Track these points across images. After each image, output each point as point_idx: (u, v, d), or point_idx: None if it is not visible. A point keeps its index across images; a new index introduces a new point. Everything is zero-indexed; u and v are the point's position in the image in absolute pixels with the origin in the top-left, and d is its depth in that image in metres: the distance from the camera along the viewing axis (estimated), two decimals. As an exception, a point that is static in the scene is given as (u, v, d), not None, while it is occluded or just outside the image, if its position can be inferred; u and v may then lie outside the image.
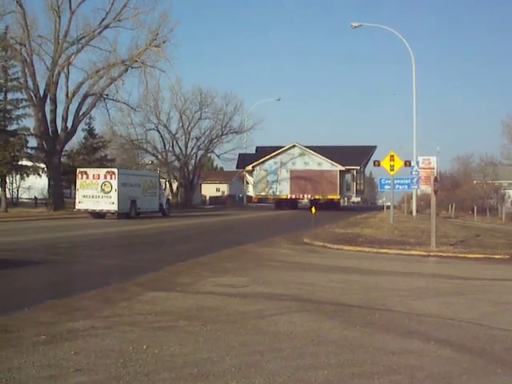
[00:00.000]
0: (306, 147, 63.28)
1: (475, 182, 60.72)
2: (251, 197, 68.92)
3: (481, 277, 12.17)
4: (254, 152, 67.85)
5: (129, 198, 35.06)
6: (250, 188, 67.08)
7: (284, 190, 62.93)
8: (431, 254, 16.09)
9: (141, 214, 36.63)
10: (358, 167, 62.95)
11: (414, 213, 40.65)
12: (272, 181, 63.57)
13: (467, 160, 77.50)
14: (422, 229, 23.94)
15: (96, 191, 33.95)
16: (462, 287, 10.60)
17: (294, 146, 63.52)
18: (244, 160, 65.72)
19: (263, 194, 64.61)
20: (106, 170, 36.08)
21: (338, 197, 62.39)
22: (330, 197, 60.39)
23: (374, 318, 7.65)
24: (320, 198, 59.72)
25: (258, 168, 64.19)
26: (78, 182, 34.73)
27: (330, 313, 8.00)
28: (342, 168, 61.12)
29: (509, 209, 47.91)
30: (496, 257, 15.52)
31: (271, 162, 63.66)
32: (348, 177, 62.86)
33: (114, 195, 33.69)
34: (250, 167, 64.47)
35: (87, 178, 34.42)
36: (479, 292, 10.09)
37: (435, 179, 19.03)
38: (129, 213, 34.97)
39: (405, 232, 23.04)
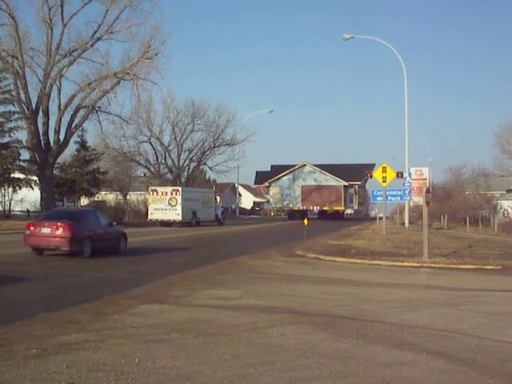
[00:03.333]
0: (315, 165, 70.96)
1: (467, 192, 60.86)
2: (244, 208, 70.99)
3: (473, 288, 12.22)
4: (269, 170, 75.78)
5: (190, 210, 42.65)
6: (243, 200, 69.20)
7: (296, 203, 70.12)
8: (424, 265, 16.13)
9: (200, 223, 43.91)
10: (360, 182, 69.96)
11: (407, 224, 40.69)
12: (286, 194, 71.28)
13: (459, 171, 77.76)
14: (415, 240, 23.99)
15: (164, 205, 41.43)
16: (454, 298, 10.63)
17: (304, 164, 71.18)
18: (260, 177, 74.37)
19: (279, 205, 73.29)
20: (172, 188, 44.12)
21: (343, 208, 69.73)
22: (335, 208, 67.97)
23: (367, 330, 7.65)
24: (327, 209, 67.69)
25: (273, 184, 71.98)
26: (150, 197, 42.78)
27: (322, 325, 8.00)
28: (346, 183, 68.63)
29: (501, 219, 48.03)
30: (488, 267, 15.58)
31: (285, 178, 71.16)
32: (351, 191, 70.29)
33: (179, 208, 41.19)
34: (266, 183, 72.78)
35: (157, 194, 42.14)
36: (471, 303, 10.12)
37: (427, 190, 19.15)
38: (190, 222, 42.44)
39: (397, 243, 23.08)
